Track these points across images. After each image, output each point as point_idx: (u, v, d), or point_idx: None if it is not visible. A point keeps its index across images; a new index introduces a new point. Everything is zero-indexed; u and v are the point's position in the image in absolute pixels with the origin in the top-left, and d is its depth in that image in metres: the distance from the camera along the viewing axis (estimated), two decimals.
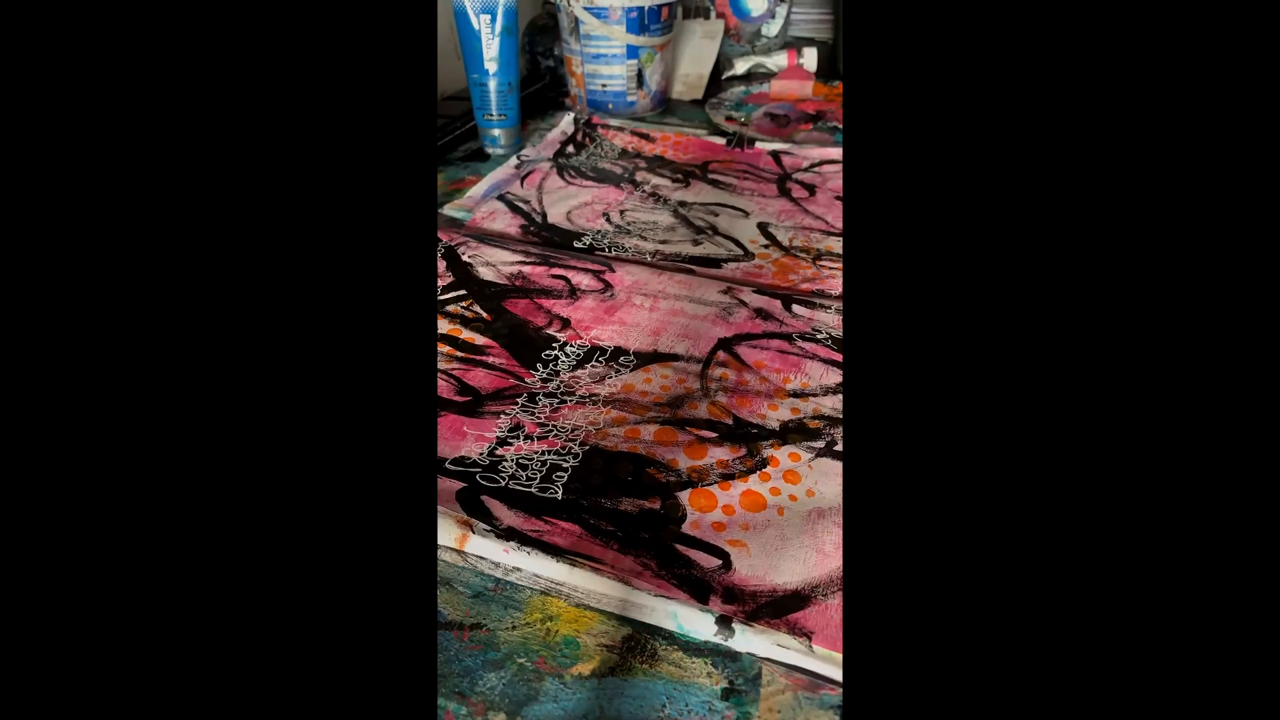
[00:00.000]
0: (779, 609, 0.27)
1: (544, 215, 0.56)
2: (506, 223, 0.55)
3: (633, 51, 0.71)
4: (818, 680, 0.25)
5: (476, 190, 0.59)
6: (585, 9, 0.69)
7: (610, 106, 0.75)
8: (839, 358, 0.40)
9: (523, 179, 0.61)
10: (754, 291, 0.45)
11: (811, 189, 0.60)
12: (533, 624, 0.27)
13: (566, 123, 0.71)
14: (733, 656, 0.26)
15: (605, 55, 0.71)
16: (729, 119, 0.74)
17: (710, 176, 0.62)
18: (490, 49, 0.60)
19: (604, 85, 0.74)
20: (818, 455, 0.33)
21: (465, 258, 0.48)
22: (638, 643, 0.26)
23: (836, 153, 0.65)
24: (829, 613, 0.26)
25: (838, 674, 0.25)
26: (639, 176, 0.62)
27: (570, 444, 0.34)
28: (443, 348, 0.40)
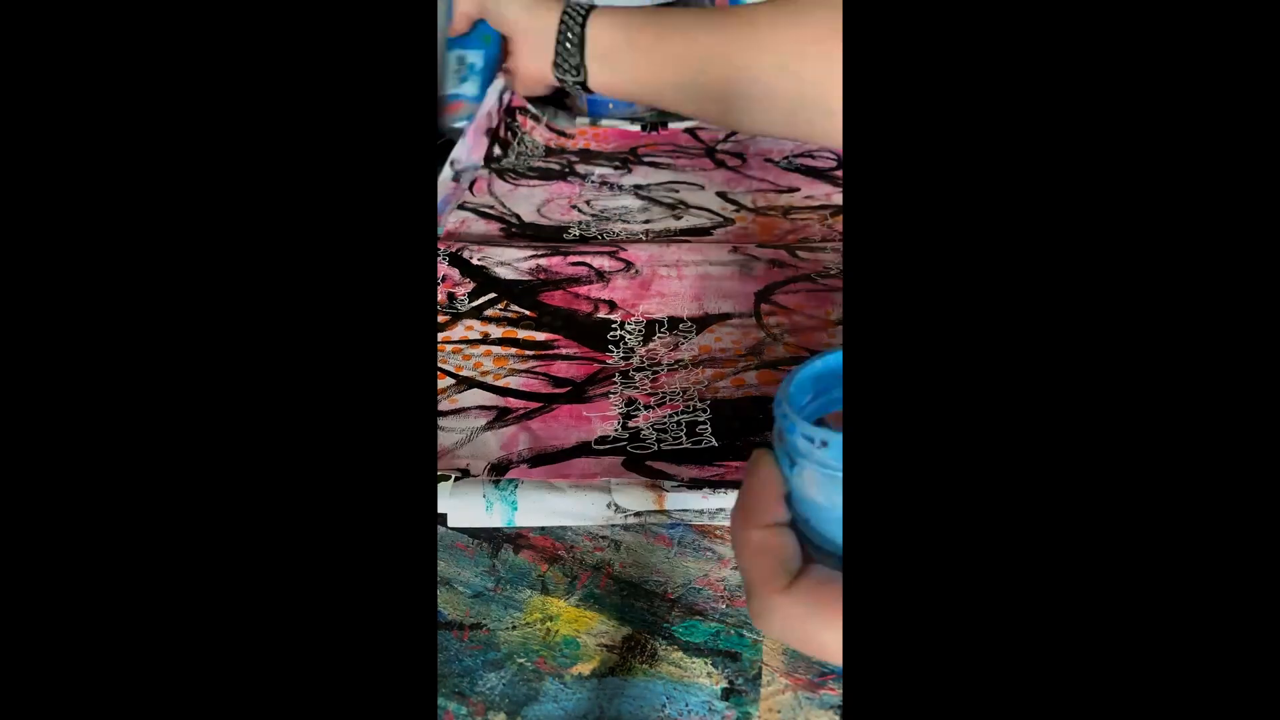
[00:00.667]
0: None
1: (518, 216, 0.55)
2: (485, 229, 0.54)
3: None
4: None
5: (440, 200, 0.56)
6: None
7: (610, 108, 0.75)
8: None
9: (470, 186, 0.59)
10: (758, 246, 0.47)
11: (741, 156, 0.61)
12: (533, 624, 0.27)
13: (491, 101, 0.67)
14: (733, 656, 0.26)
15: None
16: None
17: (645, 160, 0.63)
18: None
19: None
20: None
21: (475, 261, 0.48)
22: (638, 643, 0.26)
23: None
24: None
25: None
26: (580, 169, 0.62)
27: (692, 403, 0.36)
28: (507, 350, 0.41)
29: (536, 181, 0.61)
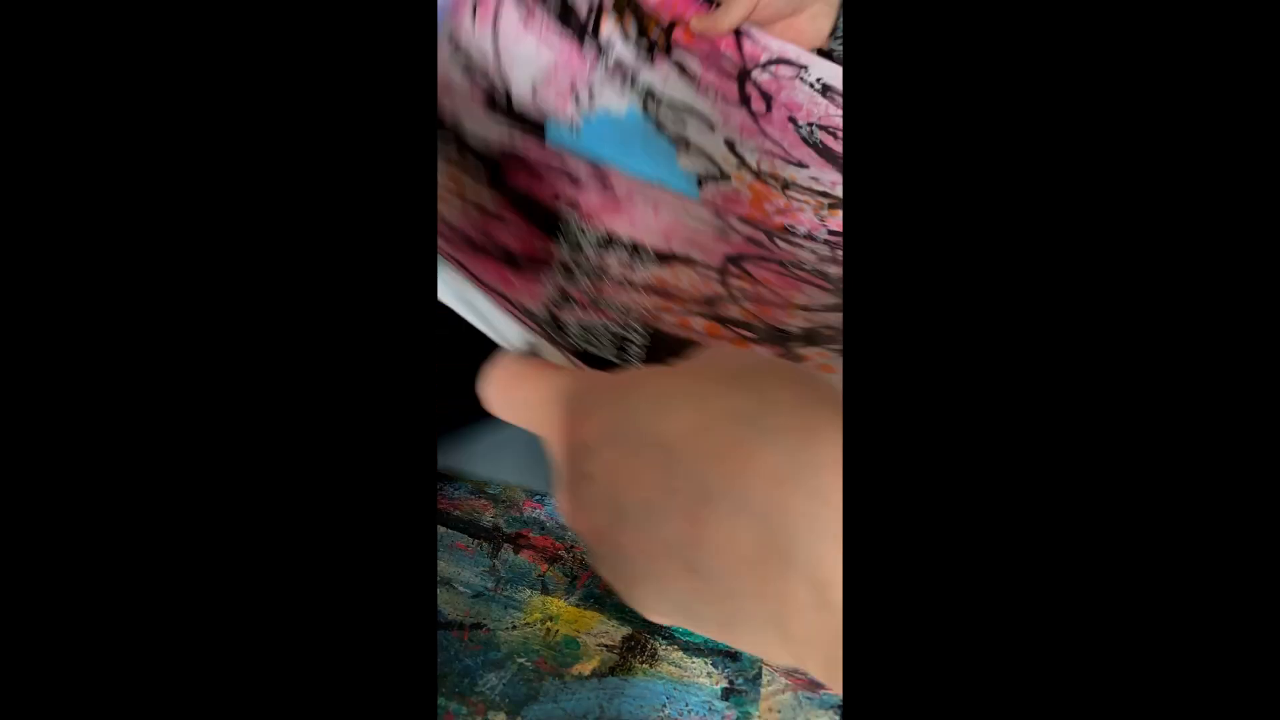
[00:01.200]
0: None
1: (508, 91, 0.47)
2: (461, 86, 0.45)
3: None
4: None
5: None
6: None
7: None
8: (827, 285, 0.41)
9: (474, 9, 0.49)
10: (738, 219, 0.45)
11: (768, 100, 0.54)
12: (533, 624, 0.27)
13: None
14: (733, 656, 0.26)
15: None
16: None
17: (674, 55, 0.54)
18: None
19: None
20: (837, 355, 0.35)
21: (447, 124, 0.42)
22: (638, 643, 0.26)
23: (794, 51, 0.57)
24: None
25: None
26: (603, 27, 0.53)
27: (630, 322, 0.33)
28: (449, 196, 0.37)
29: (549, 32, 0.51)
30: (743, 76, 0.57)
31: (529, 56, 0.50)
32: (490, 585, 0.28)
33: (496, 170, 0.40)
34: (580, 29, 0.53)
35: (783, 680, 0.25)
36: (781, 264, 0.42)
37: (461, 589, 0.28)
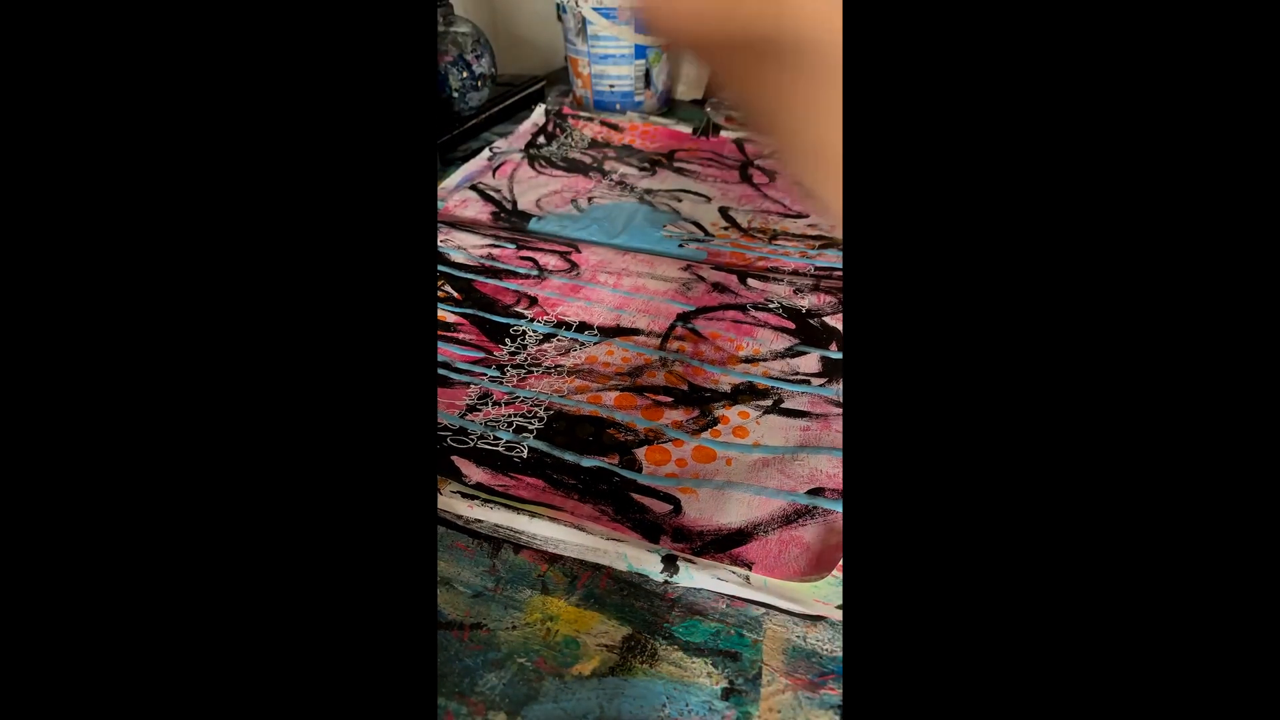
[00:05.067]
0: (722, 545, 0.29)
1: (514, 203, 0.57)
2: (478, 210, 0.56)
3: (640, 51, 0.71)
4: (751, 604, 0.27)
5: (450, 181, 0.60)
6: (594, 9, 0.69)
7: (618, 106, 0.75)
8: (790, 325, 0.43)
9: (494, 170, 0.62)
10: (712, 268, 0.48)
11: (773, 175, 0.62)
12: (533, 624, 0.27)
13: (538, 114, 0.72)
14: (733, 656, 0.26)
15: (613, 55, 0.71)
16: (729, 119, 0.74)
17: (676, 165, 0.64)
18: None
19: (611, 85, 0.73)
20: (765, 413, 0.36)
21: (438, 243, 0.50)
22: (638, 643, 0.26)
23: None
24: (769, 545, 0.29)
25: (772, 600, 0.27)
26: (607, 165, 0.63)
27: (536, 409, 0.36)
28: None
29: (559, 173, 0.62)
30: (744, 167, 0.63)
31: (538, 183, 0.60)
32: (490, 585, 0.28)
33: (467, 287, 0.46)
34: (587, 169, 0.62)
35: (783, 680, 0.25)
36: (743, 307, 0.44)
37: (461, 589, 0.28)
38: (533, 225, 0.54)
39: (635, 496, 0.32)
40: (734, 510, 0.31)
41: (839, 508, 0.31)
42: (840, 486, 0.32)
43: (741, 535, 0.30)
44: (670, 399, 0.37)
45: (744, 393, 0.38)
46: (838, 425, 0.36)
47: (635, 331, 0.42)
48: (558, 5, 0.73)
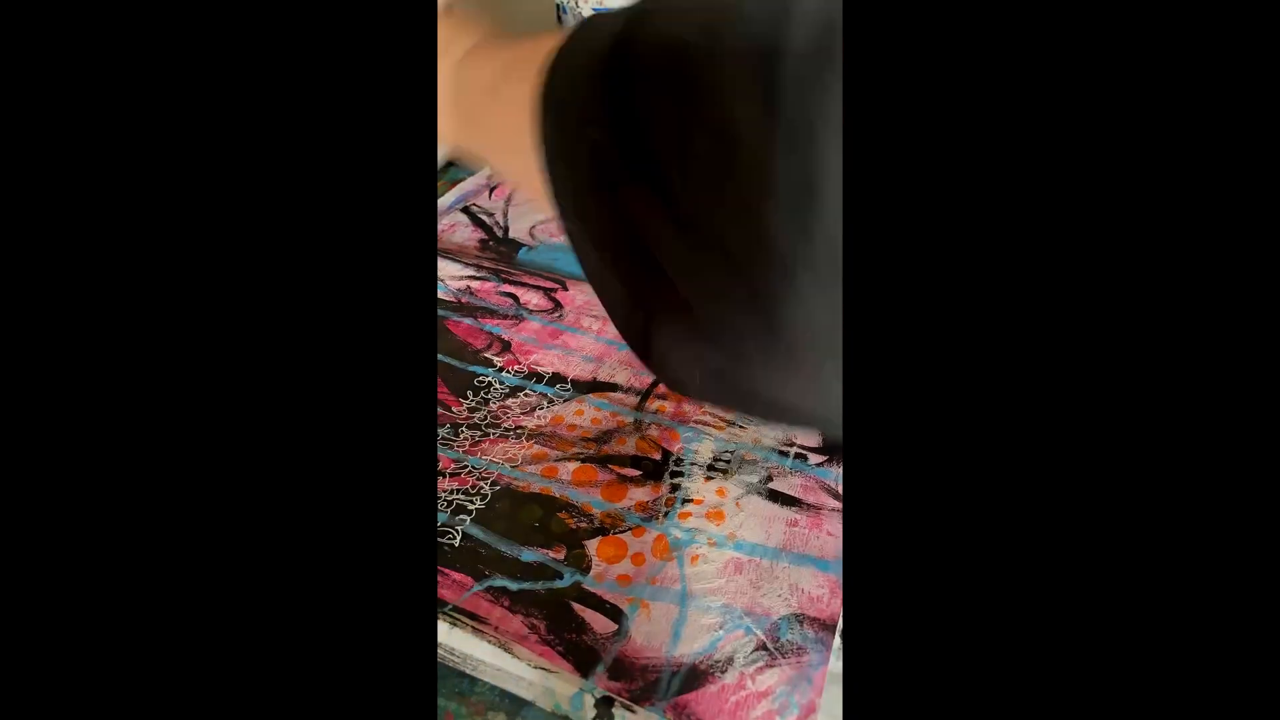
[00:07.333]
0: (668, 689, 0.25)
1: (505, 229, 0.53)
2: (466, 236, 0.52)
3: None
4: None
5: (443, 201, 0.55)
6: (594, 10, 0.64)
7: None
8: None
9: (491, 190, 0.58)
10: None
11: None
12: None
13: None
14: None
15: None
16: None
17: None
18: None
19: None
20: (748, 492, 0.32)
21: None
22: None
23: None
24: (724, 697, 0.24)
25: None
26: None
27: (481, 483, 0.32)
28: None
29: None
30: None
31: (535, 209, 0.54)
32: None
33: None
34: None
35: None
36: None
37: None
38: (522, 255, 0.49)
39: (575, 607, 0.27)
40: (690, 637, 0.26)
41: (820, 653, 0.26)
42: (823, 616, 0.27)
43: (693, 676, 0.25)
44: (637, 473, 0.33)
45: (728, 463, 0.33)
46: (830, 526, 0.30)
47: (612, 387, 0.37)
48: (557, 6, 0.68)
